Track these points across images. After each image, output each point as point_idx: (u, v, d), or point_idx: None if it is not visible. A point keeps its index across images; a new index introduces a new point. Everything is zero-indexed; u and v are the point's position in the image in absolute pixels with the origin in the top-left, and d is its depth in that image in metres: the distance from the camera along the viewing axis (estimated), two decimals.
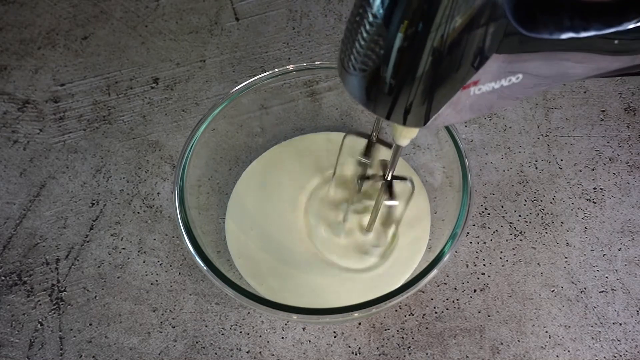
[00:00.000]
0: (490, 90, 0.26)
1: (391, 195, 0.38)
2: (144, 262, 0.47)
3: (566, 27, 0.25)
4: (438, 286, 0.45)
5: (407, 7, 0.22)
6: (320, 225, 0.44)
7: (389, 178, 0.37)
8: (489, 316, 0.43)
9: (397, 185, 0.39)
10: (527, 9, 0.23)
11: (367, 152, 0.40)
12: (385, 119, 0.27)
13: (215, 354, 0.42)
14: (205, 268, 0.37)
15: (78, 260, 0.47)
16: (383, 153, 0.40)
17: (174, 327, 0.44)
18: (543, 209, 0.48)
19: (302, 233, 0.44)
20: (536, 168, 0.50)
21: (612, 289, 0.44)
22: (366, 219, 0.43)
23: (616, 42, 0.27)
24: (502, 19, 0.22)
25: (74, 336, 0.43)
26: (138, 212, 0.49)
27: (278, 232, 0.44)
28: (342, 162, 0.43)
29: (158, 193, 0.50)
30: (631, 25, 0.26)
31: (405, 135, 0.33)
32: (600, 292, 0.44)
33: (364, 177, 0.40)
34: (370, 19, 0.23)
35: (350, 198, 0.44)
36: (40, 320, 0.44)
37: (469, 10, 0.21)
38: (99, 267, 0.46)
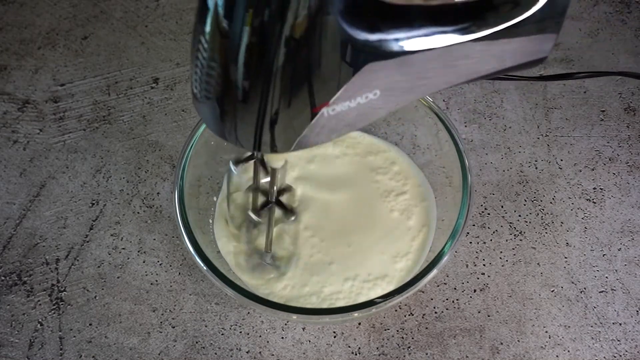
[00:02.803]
0: (347, 110, 0.25)
1: (287, 210, 0.38)
2: (143, 262, 0.47)
3: (415, 33, 0.24)
4: (438, 286, 0.45)
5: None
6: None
7: (273, 199, 0.37)
8: (488, 316, 0.43)
9: (285, 198, 0.39)
10: (365, 17, 0.22)
11: (255, 175, 0.39)
12: (253, 150, 0.26)
13: (215, 354, 0.42)
14: (205, 268, 0.37)
15: (78, 260, 0.47)
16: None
17: (173, 327, 0.44)
18: (543, 209, 0.48)
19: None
20: (536, 168, 0.50)
21: (612, 289, 0.44)
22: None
23: (477, 46, 0.26)
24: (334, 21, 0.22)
25: (74, 336, 0.43)
26: (138, 212, 0.49)
27: None
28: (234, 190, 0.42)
29: (158, 193, 0.50)
30: (487, 31, 0.25)
31: (277, 158, 0.33)
32: (600, 292, 0.44)
33: (256, 209, 0.39)
34: (210, 24, 0.22)
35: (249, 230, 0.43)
36: (40, 320, 0.44)
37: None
38: (98, 267, 0.46)
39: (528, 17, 0.26)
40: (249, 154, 0.38)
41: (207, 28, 0.22)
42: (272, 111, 0.24)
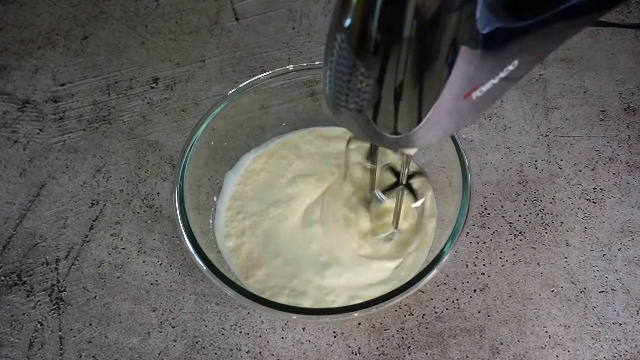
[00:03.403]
0: (491, 87, 0.26)
1: (415, 195, 0.39)
2: (143, 262, 0.47)
3: (549, 5, 0.24)
4: (438, 286, 0.45)
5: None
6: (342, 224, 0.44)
7: (404, 182, 0.38)
8: (488, 316, 0.43)
9: (415, 183, 0.39)
10: (511, 8, 0.23)
11: (371, 155, 0.40)
12: (416, 147, 0.27)
13: (215, 354, 0.42)
14: (205, 268, 0.37)
15: (78, 260, 0.47)
16: (389, 157, 0.40)
17: (173, 327, 0.44)
18: (543, 209, 0.48)
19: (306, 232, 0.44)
20: (536, 168, 0.50)
21: (612, 289, 0.44)
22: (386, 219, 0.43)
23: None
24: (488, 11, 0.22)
25: (74, 336, 0.43)
26: (138, 212, 0.49)
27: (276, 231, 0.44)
28: (350, 163, 0.43)
29: (158, 193, 0.50)
30: None
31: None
32: (600, 292, 0.44)
33: (385, 189, 0.40)
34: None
35: (366, 201, 0.44)
36: (40, 320, 0.44)
37: None
38: (98, 267, 0.46)
39: None
40: (394, 180, 0.39)
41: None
42: (427, 114, 0.24)
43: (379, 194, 0.40)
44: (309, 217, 0.44)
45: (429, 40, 0.22)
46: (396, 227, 0.42)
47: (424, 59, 0.22)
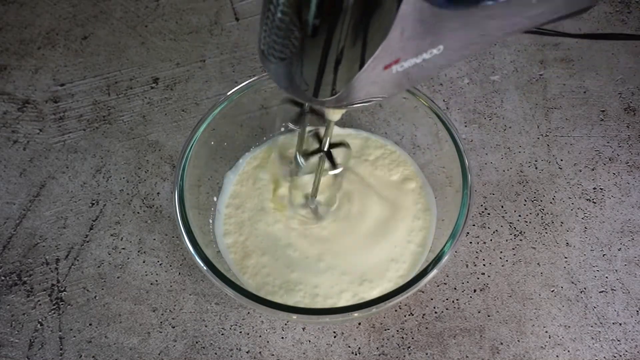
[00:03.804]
0: (412, 65, 0.26)
1: (333, 164, 0.38)
2: (143, 262, 0.47)
3: None
4: (438, 286, 0.45)
5: None
6: (288, 208, 0.44)
7: (325, 148, 0.38)
8: (488, 316, 0.43)
9: (336, 152, 0.39)
10: None
11: (299, 120, 0.39)
12: (312, 98, 0.26)
13: (215, 354, 0.42)
14: (205, 268, 0.37)
15: (78, 260, 0.47)
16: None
17: (173, 327, 0.44)
18: (543, 209, 0.48)
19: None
20: (536, 168, 0.50)
21: (612, 289, 0.44)
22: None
23: None
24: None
25: (74, 336, 0.43)
26: (138, 212, 0.49)
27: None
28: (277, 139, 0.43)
29: (158, 193, 0.50)
30: None
31: (336, 111, 0.34)
32: (600, 292, 0.44)
33: (305, 154, 0.40)
34: None
35: (293, 174, 0.44)
36: (40, 320, 0.44)
37: None
38: (98, 267, 0.46)
39: None
40: (316, 147, 0.39)
41: None
42: (337, 53, 0.24)
43: (299, 158, 0.40)
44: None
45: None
46: (314, 196, 0.41)
47: (357, 16, 0.22)
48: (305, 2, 0.23)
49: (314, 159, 0.39)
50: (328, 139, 0.37)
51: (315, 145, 0.39)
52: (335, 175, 0.40)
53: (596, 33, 0.43)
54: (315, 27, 0.23)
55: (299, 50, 0.25)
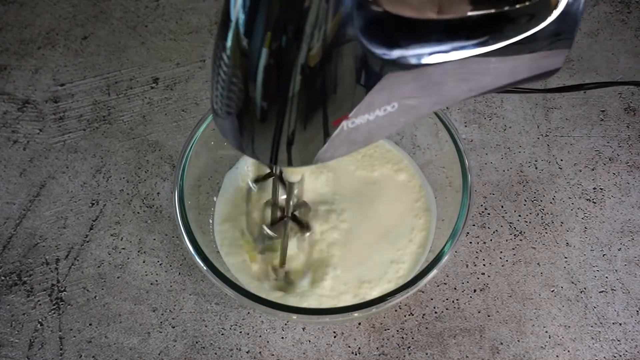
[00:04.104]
0: (365, 123, 0.25)
1: (304, 226, 0.38)
2: (143, 262, 0.47)
3: (431, 49, 0.24)
4: (438, 286, 0.45)
5: (268, 18, 0.21)
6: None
7: (289, 214, 0.37)
8: (488, 316, 0.43)
9: (301, 213, 0.39)
10: (384, 32, 0.23)
11: (262, 179, 0.39)
12: (271, 163, 0.26)
13: (215, 354, 0.42)
14: (205, 268, 0.37)
15: (78, 260, 0.47)
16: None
17: (173, 327, 0.44)
18: (543, 209, 0.48)
19: None
20: (536, 168, 0.50)
21: (612, 289, 0.44)
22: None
23: (493, 59, 0.26)
24: (355, 42, 0.22)
25: (74, 336, 0.43)
26: (138, 212, 0.49)
27: None
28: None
29: (158, 193, 0.50)
30: (502, 43, 0.25)
31: (294, 172, 0.34)
32: (600, 292, 0.44)
33: (272, 223, 0.39)
34: (231, 40, 0.22)
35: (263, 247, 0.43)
36: (40, 320, 0.44)
37: (332, 23, 0.21)
38: (98, 267, 0.46)
39: (540, 30, 0.26)
40: (268, 171, 0.39)
41: (228, 44, 0.23)
42: (290, 131, 0.24)
43: (265, 229, 0.39)
44: None
45: (290, 53, 0.21)
46: (282, 265, 0.40)
47: (286, 72, 0.22)
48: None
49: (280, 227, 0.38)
50: (291, 202, 0.37)
51: (279, 213, 0.38)
52: (303, 238, 0.40)
53: (561, 87, 0.44)
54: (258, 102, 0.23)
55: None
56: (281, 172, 0.37)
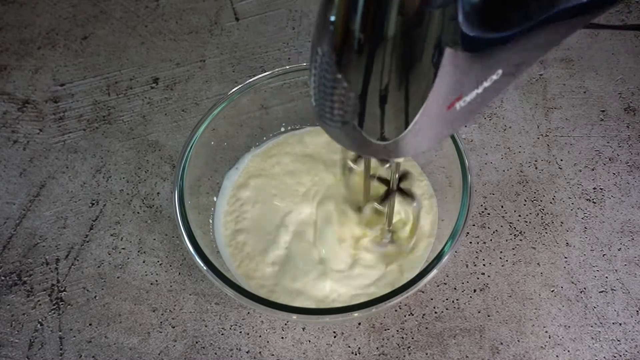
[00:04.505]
0: (475, 97, 0.26)
1: (410, 196, 0.39)
2: (143, 262, 0.47)
3: (534, 13, 0.24)
4: (438, 286, 0.45)
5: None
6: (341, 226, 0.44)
7: (395, 188, 0.38)
8: (488, 316, 0.43)
9: (406, 184, 0.39)
10: (495, 13, 0.22)
11: (359, 158, 0.40)
12: (403, 156, 0.27)
13: (215, 354, 0.42)
14: (205, 268, 0.37)
15: (78, 260, 0.47)
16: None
17: (173, 327, 0.44)
18: (543, 209, 0.48)
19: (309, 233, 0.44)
20: (536, 168, 0.50)
21: (612, 289, 0.44)
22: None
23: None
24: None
25: (74, 336, 0.43)
26: (138, 212, 0.49)
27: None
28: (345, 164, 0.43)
29: (158, 193, 0.50)
30: None
31: None
32: (600, 292, 0.44)
33: (381, 199, 0.40)
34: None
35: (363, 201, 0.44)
36: (40, 320, 0.44)
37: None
38: (98, 267, 0.46)
39: None
40: (386, 189, 0.39)
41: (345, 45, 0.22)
42: (413, 123, 0.25)
43: (377, 207, 0.40)
44: (305, 222, 0.44)
45: (412, 40, 0.21)
46: (389, 227, 0.41)
47: (408, 61, 0.22)
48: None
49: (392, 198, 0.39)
50: (397, 176, 0.37)
51: (384, 187, 0.39)
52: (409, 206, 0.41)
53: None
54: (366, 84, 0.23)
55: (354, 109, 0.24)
56: None
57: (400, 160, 0.34)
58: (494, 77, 0.26)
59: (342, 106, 0.25)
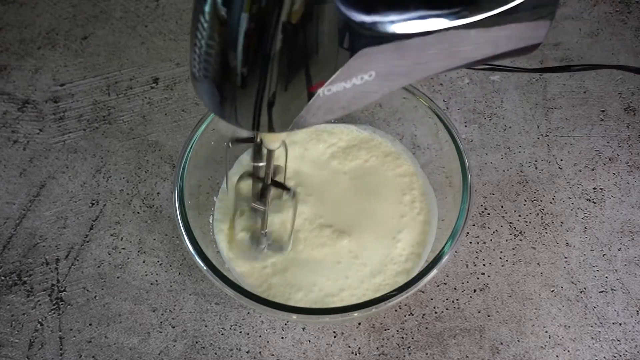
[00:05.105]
0: (342, 90, 0.26)
1: (284, 188, 0.38)
2: (143, 262, 0.47)
3: (409, 16, 0.24)
4: (438, 286, 0.45)
5: None
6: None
7: (269, 182, 0.38)
8: (488, 316, 0.43)
9: (278, 177, 0.39)
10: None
11: (257, 156, 0.39)
12: (252, 129, 0.26)
13: (215, 354, 0.42)
14: (205, 268, 0.37)
15: (78, 260, 0.47)
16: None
17: (173, 327, 0.44)
18: (543, 209, 0.48)
19: None
20: (536, 168, 0.50)
21: (612, 289, 0.44)
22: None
23: (472, 31, 0.26)
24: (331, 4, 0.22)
25: (74, 336, 0.43)
26: (138, 212, 0.49)
27: None
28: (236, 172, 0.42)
29: (158, 193, 0.50)
30: (482, 15, 0.25)
31: (272, 139, 0.34)
32: (600, 292, 0.44)
33: (259, 198, 0.39)
34: (209, 7, 0.23)
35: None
36: (40, 320, 0.44)
37: None
38: (98, 267, 0.46)
39: (522, 3, 0.26)
40: (247, 135, 0.38)
41: (207, 8, 0.23)
42: (270, 94, 0.25)
43: (255, 205, 0.39)
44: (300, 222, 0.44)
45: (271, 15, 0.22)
46: (264, 229, 0.41)
47: (266, 36, 0.22)
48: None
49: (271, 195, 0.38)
50: (270, 170, 0.37)
51: (259, 186, 0.38)
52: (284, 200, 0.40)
53: (554, 67, 0.44)
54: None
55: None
56: (260, 140, 0.37)
57: (273, 148, 0.34)
58: (367, 77, 0.26)
59: (209, 64, 0.25)
